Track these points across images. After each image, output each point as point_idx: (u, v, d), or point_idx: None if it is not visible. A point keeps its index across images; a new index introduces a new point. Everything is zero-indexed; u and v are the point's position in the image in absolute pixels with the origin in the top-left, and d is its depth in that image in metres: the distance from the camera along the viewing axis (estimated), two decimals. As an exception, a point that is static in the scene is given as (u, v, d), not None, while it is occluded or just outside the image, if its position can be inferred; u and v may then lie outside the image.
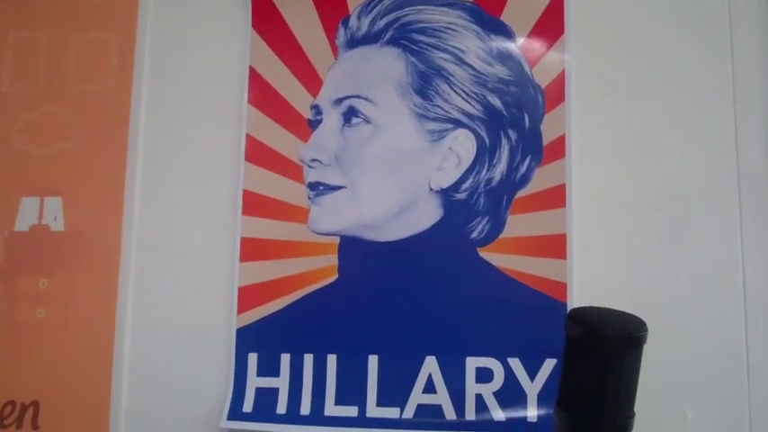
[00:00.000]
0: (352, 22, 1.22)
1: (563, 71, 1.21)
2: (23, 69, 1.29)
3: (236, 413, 1.17)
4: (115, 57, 1.27)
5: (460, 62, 1.21)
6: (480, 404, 1.15)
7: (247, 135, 1.24)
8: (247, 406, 1.17)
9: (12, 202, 1.25)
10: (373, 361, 1.17)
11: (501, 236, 1.18)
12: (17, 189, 1.25)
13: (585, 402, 0.79)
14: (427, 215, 1.19)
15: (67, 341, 1.21)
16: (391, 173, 1.20)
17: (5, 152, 1.26)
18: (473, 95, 1.20)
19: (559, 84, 1.21)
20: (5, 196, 1.25)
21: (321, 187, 1.21)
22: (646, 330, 0.77)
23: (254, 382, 1.18)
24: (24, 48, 1.29)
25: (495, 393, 1.15)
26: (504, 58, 1.21)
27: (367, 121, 1.21)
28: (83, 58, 1.28)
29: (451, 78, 1.21)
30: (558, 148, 1.19)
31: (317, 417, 1.16)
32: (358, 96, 1.22)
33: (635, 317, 0.79)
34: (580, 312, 0.85)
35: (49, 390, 1.20)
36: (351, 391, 1.16)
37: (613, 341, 0.76)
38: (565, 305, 1.14)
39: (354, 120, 1.21)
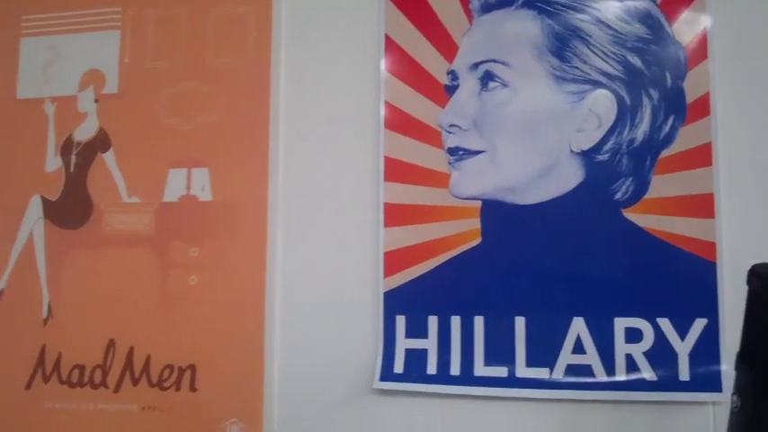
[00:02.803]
0: (487, -14, 1.22)
1: (704, 28, 1.18)
2: (164, 45, 1.33)
3: (387, 374, 1.19)
4: (253, 29, 1.29)
5: (598, 22, 1.20)
6: (630, 364, 1.15)
7: (386, 102, 1.25)
8: (398, 367, 1.19)
9: (160, 174, 1.29)
10: (520, 322, 1.18)
11: (646, 196, 1.17)
12: (164, 161, 1.29)
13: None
14: (569, 177, 1.19)
15: (220, 307, 1.25)
16: (530, 136, 1.20)
17: (151, 126, 1.30)
18: (612, 55, 1.19)
19: (701, 41, 1.19)
20: (154, 168, 1.30)
21: (461, 152, 1.22)
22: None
23: (402, 343, 1.20)
24: (164, 24, 1.33)
25: (645, 353, 1.15)
26: (643, 16, 1.20)
27: (504, 84, 1.21)
28: (221, 32, 1.31)
29: (589, 39, 1.20)
30: (703, 106, 1.17)
31: (468, 377, 1.17)
32: (494, 60, 1.22)
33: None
34: (761, 267, 0.84)
35: (204, 354, 1.25)
36: (499, 351, 1.18)
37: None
38: (714, 265, 1.14)
39: (491, 84, 1.22)
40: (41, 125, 1.35)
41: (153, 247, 1.28)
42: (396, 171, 1.24)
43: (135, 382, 1.26)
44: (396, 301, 1.22)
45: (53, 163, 1.33)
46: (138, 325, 1.27)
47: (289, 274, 1.25)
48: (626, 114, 1.18)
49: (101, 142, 1.32)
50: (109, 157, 1.31)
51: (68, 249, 1.31)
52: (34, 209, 1.32)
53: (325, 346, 1.23)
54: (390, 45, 1.27)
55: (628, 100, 1.18)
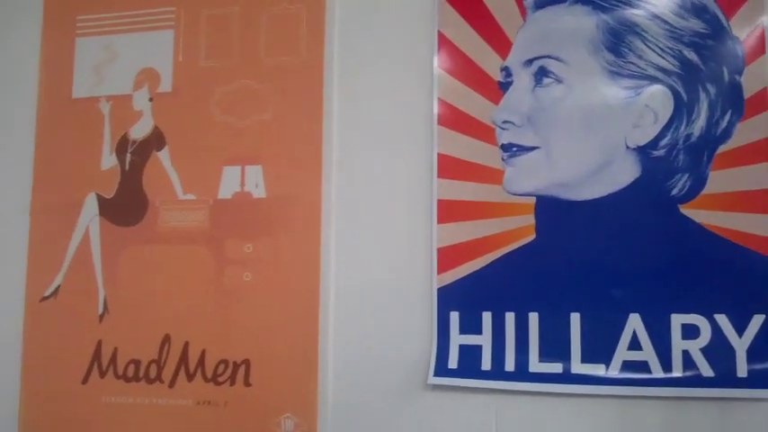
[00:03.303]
0: (540, -18, 1.22)
1: (762, 22, 1.17)
2: (218, 44, 1.34)
3: (441, 369, 1.19)
4: (305, 27, 1.30)
5: (653, 17, 1.20)
6: (687, 360, 1.14)
7: (439, 99, 1.25)
8: (452, 362, 1.20)
9: (214, 171, 1.31)
10: (575, 319, 1.17)
11: (703, 192, 1.16)
12: (218, 159, 1.31)
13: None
14: (625, 173, 1.18)
15: (274, 303, 1.26)
16: (585, 132, 1.20)
17: (205, 124, 1.32)
18: (668, 50, 1.18)
19: (759, 36, 1.18)
20: (208, 166, 1.31)
21: (515, 148, 1.22)
22: None
23: (457, 339, 1.21)
24: (218, 23, 1.34)
25: (702, 350, 1.14)
26: (699, 11, 1.19)
27: (558, 80, 1.21)
28: (274, 31, 1.32)
29: (645, 34, 1.19)
30: (761, 101, 1.16)
31: (522, 373, 1.17)
32: (548, 56, 1.22)
33: None
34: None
35: (258, 349, 1.26)
36: (554, 348, 1.17)
37: None
38: (773, 261, 1.12)
39: (545, 80, 1.22)
40: (97, 124, 1.37)
41: (207, 244, 1.29)
42: (449, 168, 1.25)
43: (190, 377, 1.27)
44: (449, 297, 1.22)
45: (108, 161, 1.35)
46: (193, 320, 1.28)
47: (342, 269, 1.26)
48: (682, 110, 1.17)
49: (156, 140, 1.33)
50: (164, 155, 1.33)
51: (124, 246, 1.32)
52: (90, 206, 1.35)
53: (378, 341, 1.24)
54: (443, 42, 1.27)
55: (684, 95, 1.17)
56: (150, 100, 1.34)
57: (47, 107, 1.40)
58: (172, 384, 1.27)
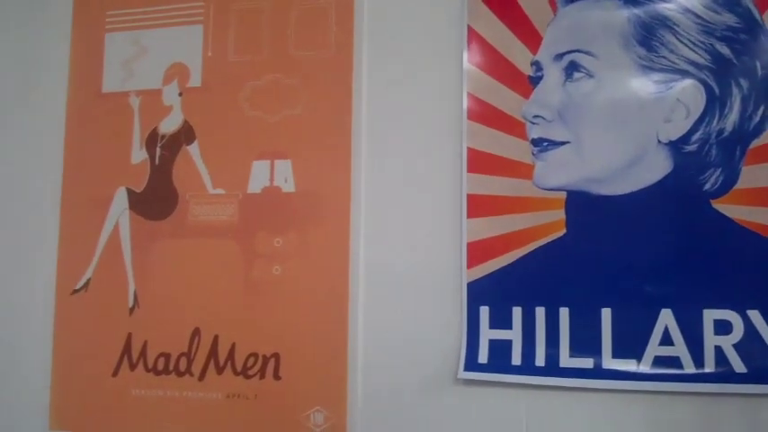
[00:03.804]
0: (571, -24, 1.21)
1: (796, 16, 1.16)
2: (247, 39, 1.34)
3: (471, 364, 1.19)
4: (334, 22, 1.30)
5: (685, 11, 1.19)
6: (720, 356, 1.13)
7: (468, 94, 1.25)
8: (482, 357, 1.19)
9: (244, 165, 1.31)
10: (606, 314, 1.17)
11: (735, 187, 1.16)
12: (248, 153, 1.31)
13: None
14: (656, 168, 1.18)
15: (303, 297, 1.26)
16: (617, 126, 1.20)
17: (235, 119, 1.32)
18: (700, 44, 1.17)
19: (793, 30, 1.16)
20: (238, 160, 1.31)
21: (545, 143, 1.22)
22: None
23: (486, 334, 1.20)
24: (247, 18, 1.34)
25: (734, 345, 1.13)
26: (732, 5, 1.18)
27: (589, 75, 1.21)
28: (304, 25, 1.32)
29: (676, 28, 1.18)
30: (795, 95, 1.15)
31: (553, 368, 1.17)
32: (579, 51, 1.21)
33: None
34: None
35: (288, 343, 1.26)
36: (585, 343, 1.17)
37: None
38: (807, 256, 1.11)
39: (576, 74, 1.21)
40: (126, 118, 1.37)
41: (237, 238, 1.29)
42: (479, 162, 1.24)
43: (220, 370, 1.27)
44: (479, 292, 1.22)
45: (138, 155, 1.36)
46: (223, 314, 1.29)
47: (371, 263, 1.26)
48: (715, 104, 1.16)
49: (185, 135, 1.34)
50: (193, 150, 1.33)
51: (154, 240, 1.33)
52: (120, 200, 1.35)
53: (408, 335, 1.24)
54: (473, 36, 1.27)
55: (716, 90, 1.16)
56: (180, 95, 1.35)
57: (77, 102, 1.40)
58: (202, 377, 1.28)
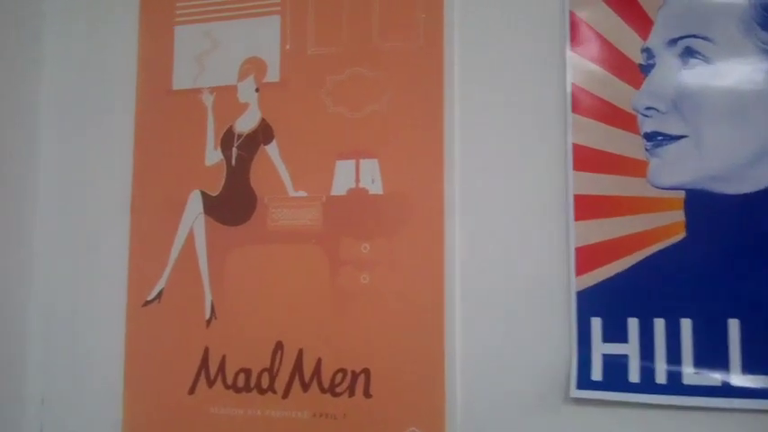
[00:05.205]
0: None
1: None
2: (327, 30, 1.26)
3: (584, 381, 1.10)
4: (422, 10, 1.20)
5: (816, -10, 1.06)
6: None
7: (573, 84, 1.15)
8: (596, 374, 1.10)
9: (327, 166, 1.22)
10: (734, 325, 1.07)
11: None
12: (331, 153, 1.23)
13: None
14: (788, 163, 1.06)
15: (395, 307, 1.17)
16: (739, 118, 1.09)
17: (316, 116, 1.24)
18: (833, 27, 1.05)
19: None
20: (320, 160, 1.23)
21: (660, 137, 1.11)
22: None
23: (599, 348, 1.11)
24: (327, 8, 1.26)
25: None
26: None
27: (707, 61, 1.10)
28: (388, 14, 1.23)
29: (806, 9, 1.06)
30: None
31: (676, 386, 1.07)
32: (695, 36, 1.11)
33: None
34: None
35: (379, 357, 1.17)
36: (711, 358, 1.07)
37: None
38: None
39: (692, 61, 1.11)
40: (199, 117, 1.29)
41: (321, 244, 1.20)
42: (586, 159, 1.14)
43: (305, 387, 1.19)
44: (590, 302, 1.12)
45: (213, 156, 1.27)
46: (308, 326, 1.20)
47: (469, 271, 1.17)
48: None
49: (263, 134, 1.25)
50: (272, 149, 1.24)
51: (231, 246, 1.25)
52: (194, 205, 1.27)
53: (511, 349, 1.14)
54: (576, 23, 1.16)
55: None
56: (256, 91, 1.26)
57: (146, 100, 1.32)
58: (285, 395, 1.19)
